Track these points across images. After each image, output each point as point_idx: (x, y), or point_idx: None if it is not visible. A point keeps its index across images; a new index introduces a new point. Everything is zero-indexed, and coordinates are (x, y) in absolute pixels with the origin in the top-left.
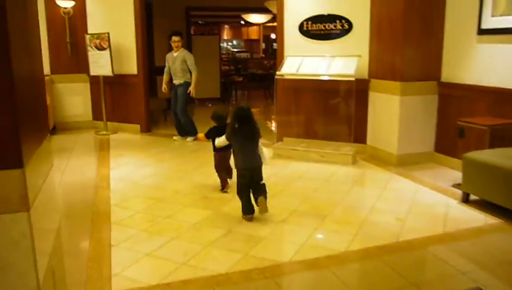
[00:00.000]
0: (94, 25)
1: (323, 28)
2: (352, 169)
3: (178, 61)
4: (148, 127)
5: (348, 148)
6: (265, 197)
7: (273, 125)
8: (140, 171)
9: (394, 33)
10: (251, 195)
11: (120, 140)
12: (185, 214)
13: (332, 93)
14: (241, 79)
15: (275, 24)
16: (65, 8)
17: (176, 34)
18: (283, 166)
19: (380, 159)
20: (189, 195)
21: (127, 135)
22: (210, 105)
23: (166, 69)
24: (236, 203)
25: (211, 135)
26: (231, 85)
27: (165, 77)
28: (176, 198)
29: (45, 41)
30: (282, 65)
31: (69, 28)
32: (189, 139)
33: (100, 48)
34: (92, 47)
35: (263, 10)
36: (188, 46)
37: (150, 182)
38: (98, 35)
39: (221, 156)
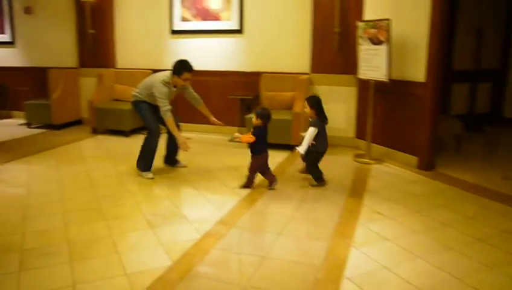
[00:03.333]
0: (372, 8)
1: None
2: None
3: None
4: (430, 162)
5: None
6: None
7: None
8: (402, 267)
9: None
10: None
11: (384, 178)
12: None
13: None
14: None
15: None
16: None
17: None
18: None
19: None
20: None
21: (395, 168)
22: None
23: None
24: None
25: (261, 134)
26: None
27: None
28: None
29: (308, 30)
30: None
31: (340, 13)
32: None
33: (376, 42)
34: (364, 39)
35: None
36: (506, 40)
37: None
38: (375, 24)
39: (261, 158)
